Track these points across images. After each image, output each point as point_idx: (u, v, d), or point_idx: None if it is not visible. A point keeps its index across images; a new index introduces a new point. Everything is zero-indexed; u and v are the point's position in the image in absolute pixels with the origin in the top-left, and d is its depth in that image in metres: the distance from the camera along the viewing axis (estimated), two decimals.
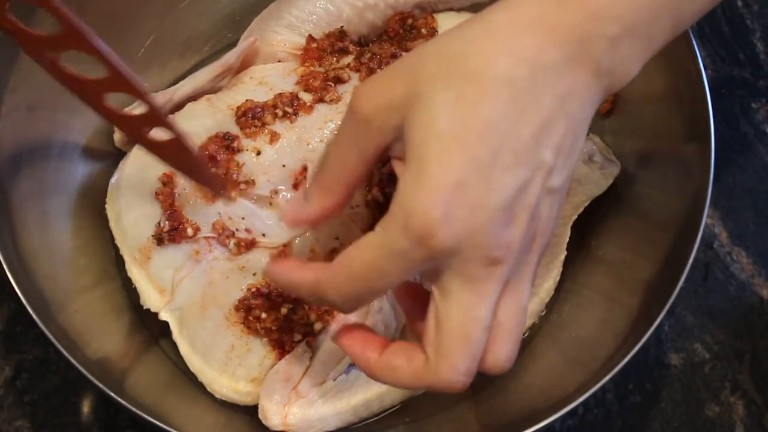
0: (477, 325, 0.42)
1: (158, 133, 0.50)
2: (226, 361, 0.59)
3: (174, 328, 0.59)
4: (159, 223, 0.59)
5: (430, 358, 0.43)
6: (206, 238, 0.59)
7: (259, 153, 0.60)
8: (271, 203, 0.60)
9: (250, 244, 0.59)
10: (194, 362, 0.59)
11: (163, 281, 0.59)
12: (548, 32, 0.42)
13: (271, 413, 0.57)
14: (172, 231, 0.59)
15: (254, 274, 0.59)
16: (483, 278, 0.41)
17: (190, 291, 0.59)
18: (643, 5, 0.43)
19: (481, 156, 0.40)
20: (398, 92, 0.42)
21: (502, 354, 0.43)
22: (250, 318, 0.58)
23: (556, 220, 0.44)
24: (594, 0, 0.42)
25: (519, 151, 0.41)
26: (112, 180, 0.62)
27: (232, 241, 0.59)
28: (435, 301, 0.43)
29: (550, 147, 0.41)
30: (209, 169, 0.50)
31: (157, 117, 0.46)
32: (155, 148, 0.49)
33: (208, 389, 0.59)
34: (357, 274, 0.43)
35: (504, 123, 0.40)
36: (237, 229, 0.59)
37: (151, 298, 0.60)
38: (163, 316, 0.59)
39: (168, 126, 0.47)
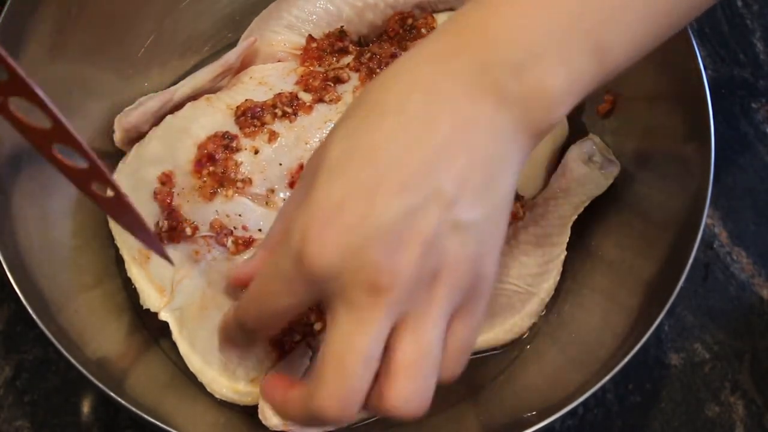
0: (354, 355, 0.40)
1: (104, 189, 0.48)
2: (226, 362, 0.58)
3: (174, 328, 0.59)
4: (158, 223, 0.59)
5: (309, 386, 0.42)
6: (204, 237, 0.59)
7: (257, 152, 0.60)
8: (267, 202, 0.60)
9: (248, 242, 0.59)
10: (194, 362, 0.59)
11: (162, 281, 0.60)
12: (445, 63, 0.41)
13: (270, 413, 0.57)
14: (171, 231, 0.59)
15: None
16: (365, 306, 0.39)
17: (189, 291, 0.59)
18: (550, 33, 0.41)
19: (364, 179, 0.40)
20: None
21: (398, 393, 0.40)
22: None
23: (483, 261, 0.41)
24: (494, 27, 0.41)
25: (407, 176, 0.39)
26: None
27: (230, 239, 0.59)
28: (327, 330, 0.41)
29: (449, 176, 0.40)
30: (151, 231, 0.50)
31: (99, 173, 0.45)
32: (101, 203, 0.48)
33: (208, 389, 0.59)
34: (253, 296, 0.45)
35: (392, 148, 0.40)
36: (234, 227, 0.59)
37: (150, 298, 0.60)
38: (163, 316, 0.59)
39: (108, 183, 0.46)
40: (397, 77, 0.42)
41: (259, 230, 0.60)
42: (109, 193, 0.46)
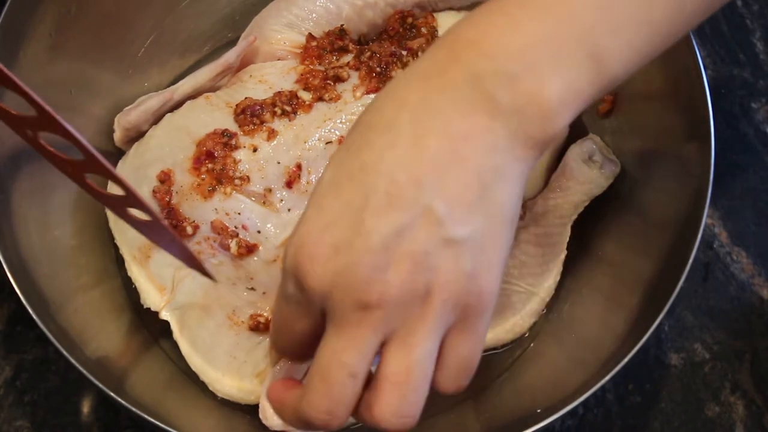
0: (341, 370, 0.40)
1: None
2: (230, 360, 0.58)
3: (174, 327, 0.59)
4: None
5: (301, 393, 0.42)
6: (207, 239, 0.59)
7: (255, 150, 0.60)
8: (264, 202, 0.60)
9: (251, 248, 0.59)
10: (195, 362, 0.59)
11: (163, 280, 0.60)
12: (436, 78, 0.40)
13: (271, 413, 0.57)
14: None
15: (251, 279, 0.60)
16: (353, 323, 0.40)
17: (191, 290, 0.59)
18: (543, 41, 0.40)
19: (352, 200, 0.40)
20: None
21: (385, 406, 0.41)
22: (260, 320, 0.59)
23: (481, 276, 0.40)
24: (486, 39, 0.40)
25: (395, 194, 0.39)
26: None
27: (234, 242, 0.59)
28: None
29: (439, 193, 0.39)
30: (190, 250, 0.52)
31: (135, 199, 0.47)
32: (137, 226, 0.50)
33: (210, 388, 0.59)
34: (274, 324, 0.46)
35: (380, 167, 0.39)
36: (235, 227, 0.59)
37: (151, 297, 0.60)
38: (164, 315, 0.59)
39: (144, 208, 0.48)
40: (388, 96, 0.42)
41: (258, 232, 0.60)
42: (145, 217, 0.49)
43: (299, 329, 0.43)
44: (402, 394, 0.41)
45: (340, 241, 0.39)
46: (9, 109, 0.46)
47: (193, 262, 0.53)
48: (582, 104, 0.42)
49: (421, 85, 0.41)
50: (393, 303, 0.39)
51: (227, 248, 0.59)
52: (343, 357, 0.40)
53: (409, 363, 0.40)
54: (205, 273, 0.54)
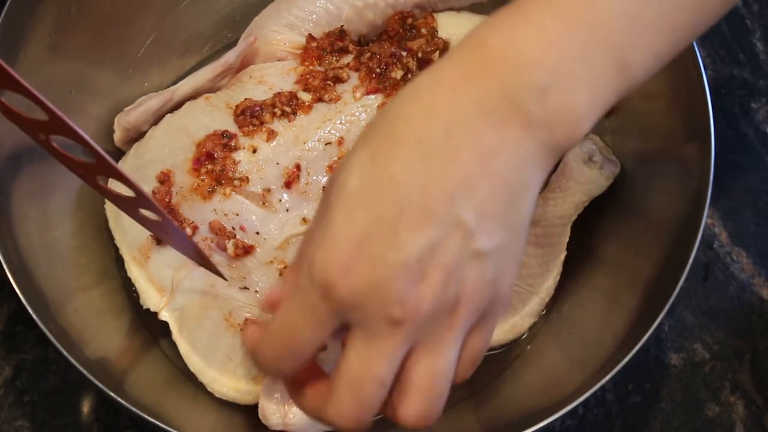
0: (371, 381, 0.41)
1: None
2: (227, 361, 0.59)
3: (173, 327, 0.59)
4: None
5: (326, 399, 0.43)
6: (205, 239, 0.59)
7: (255, 150, 0.60)
8: (263, 203, 0.60)
9: (248, 249, 0.59)
10: (194, 362, 0.59)
11: (162, 281, 0.60)
12: (467, 89, 0.40)
13: (270, 412, 0.57)
14: None
15: (244, 278, 0.60)
16: (385, 335, 0.40)
17: (190, 291, 0.59)
18: (574, 52, 0.40)
19: (385, 212, 0.39)
20: None
21: (411, 411, 0.42)
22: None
23: (501, 282, 0.42)
24: (517, 50, 0.40)
25: (429, 208, 0.39)
26: (111, 179, 0.62)
27: (231, 243, 0.59)
28: (344, 348, 0.42)
29: (470, 207, 0.39)
30: (205, 254, 0.53)
31: (146, 200, 0.48)
32: (147, 224, 0.51)
33: (208, 389, 0.59)
34: (275, 331, 0.44)
35: (413, 180, 0.39)
36: (233, 228, 0.59)
37: (150, 298, 0.60)
38: (163, 316, 0.59)
39: (153, 209, 0.50)
40: (416, 106, 0.41)
41: (257, 233, 0.60)
42: (156, 217, 0.50)
43: (307, 338, 0.43)
44: (427, 398, 0.42)
45: (374, 254, 0.39)
46: (23, 113, 0.47)
47: (203, 260, 0.53)
48: (605, 110, 0.42)
49: (452, 96, 0.40)
50: (424, 316, 0.40)
51: (224, 249, 0.59)
52: (374, 369, 0.41)
53: (435, 371, 0.41)
54: (215, 271, 0.54)
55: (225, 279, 0.56)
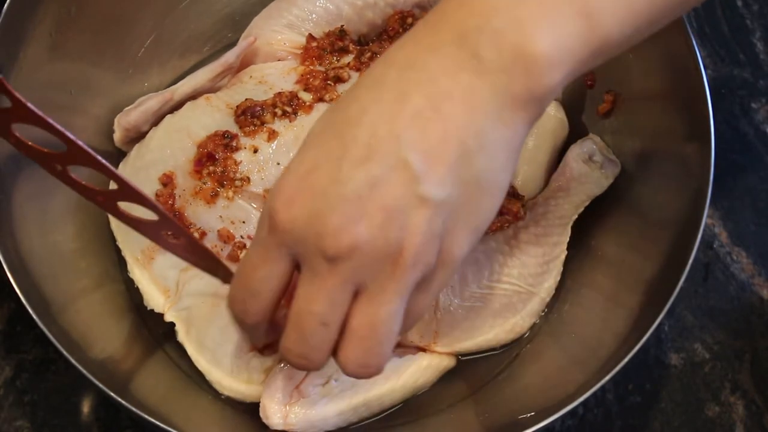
0: (311, 318, 0.42)
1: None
2: (235, 360, 0.58)
3: (180, 328, 0.59)
4: None
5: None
6: (214, 246, 0.59)
7: (256, 151, 0.60)
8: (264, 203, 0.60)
9: None
10: (202, 362, 0.59)
11: (167, 282, 0.59)
12: (425, 39, 0.41)
13: (272, 412, 0.57)
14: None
15: None
16: (323, 272, 0.41)
17: (199, 290, 0.59)
18: None
19: (333, 149, 0.40)
20: None
21: (350, 357, 0.43)
22: None
23: (451, 239, 0.41)
24: None
25: (373, 146, 0.40)
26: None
27: (243, 253, 0.59)
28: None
29: (417, 149, 0.39)
30: (225, 266, 0.53)
31: (171, 224, 0.49)
32: (171, 247, 0.51)
33: (217, 387, 0.59)
34: (238, 273, 0.45)
35: (363, 120, 0.40)
36: (241, 236, 0.59)
37: (154, 299, 0.60)
38: (170, 317, 0.59)
39: (178, 231, 0.49)
40: (381, 59, 0.43)
41: None
42: (177, 240, 0.50)
43: (263, 276, 0.43)
44: (367, 346, 0.42)
45: (317, 188, 0.40)
46: (39, 147, 0.47)
47: (227, 277, 0.52)
48: (576, 66, 0.41)
49: (412, 46, 0.42)
50: (363, 255, 0.40)
51: (236, 260, 0.59)
52: (313, 306, 0.42)
53: (374, 319, 0.42)
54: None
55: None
